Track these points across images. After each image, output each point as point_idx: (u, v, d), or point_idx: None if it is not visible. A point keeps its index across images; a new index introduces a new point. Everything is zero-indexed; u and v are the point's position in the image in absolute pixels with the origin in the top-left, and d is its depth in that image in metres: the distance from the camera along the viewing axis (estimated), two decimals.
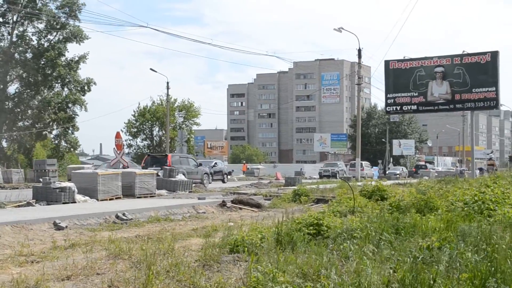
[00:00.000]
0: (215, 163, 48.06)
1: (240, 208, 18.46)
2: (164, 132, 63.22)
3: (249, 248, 8.11)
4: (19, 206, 18.28)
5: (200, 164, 37.97)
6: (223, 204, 18.83)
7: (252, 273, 6.39)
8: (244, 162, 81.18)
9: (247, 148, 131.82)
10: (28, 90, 60.18)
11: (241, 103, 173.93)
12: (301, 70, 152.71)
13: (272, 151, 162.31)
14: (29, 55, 59.89)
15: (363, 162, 62.73)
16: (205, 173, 37.31)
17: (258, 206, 18.97)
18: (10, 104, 60.15)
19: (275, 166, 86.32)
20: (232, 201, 19.39)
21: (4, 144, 61.65)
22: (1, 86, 59.58)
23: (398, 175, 67.03)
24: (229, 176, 50.61)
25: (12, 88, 60.72)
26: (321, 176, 59.45)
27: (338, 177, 52.54)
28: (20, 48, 59.69)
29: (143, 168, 35.33)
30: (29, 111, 61.07)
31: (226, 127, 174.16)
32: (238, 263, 7.54)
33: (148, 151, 65.51)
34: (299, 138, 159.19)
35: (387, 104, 40.38)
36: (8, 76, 60.01)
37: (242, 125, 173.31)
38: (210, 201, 19.77)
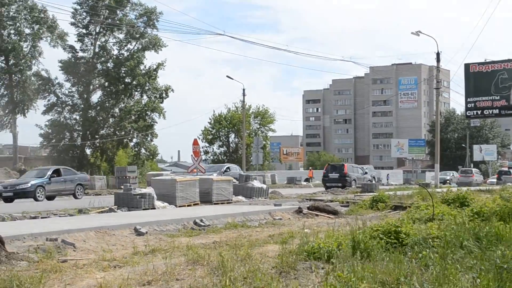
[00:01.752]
0: (227, 167, 45.58)
1: (317, 215, 18.37)
2: (240, 139, 63.76)
3: (325, 256, 8.06)
4: (102, 212, 18.89)
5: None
6: (299, 211, 18.80)
7: (329, 280, 6.35)
8: (311, 168, 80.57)
9: (323, 154, 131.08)
10: (110, 99, 62.18)
11: (317, 109, 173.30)
12: (377, 75, 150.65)
13: (348, 157, 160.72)
14: (110, 65, 61.89)
15: (473, 169, 58.75)
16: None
17: (334, 212, 18.82)
18: (93, 112, 62.32)
19: None
20: (308, 208, 19.32)
21: (88, 151, 63.87)
22: (85, 96, 61.83)
23: (448, 181, 59.73)
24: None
25: (95, 97, 63.02)
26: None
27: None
28: (102, 58, 61.77)
29: (324, 175, 41.79)
30: (111, 119, 63.05)
31: (302, 133, 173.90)
32: (315, 271, 7.51)
33: (225, 157, 66.29)
34: (375, 144, 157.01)
35: (467, 109, 39.29)
36: (91, 86, 62.22)
37: (318, 131, 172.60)
38: (286, 208, 19.77)
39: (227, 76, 57.40)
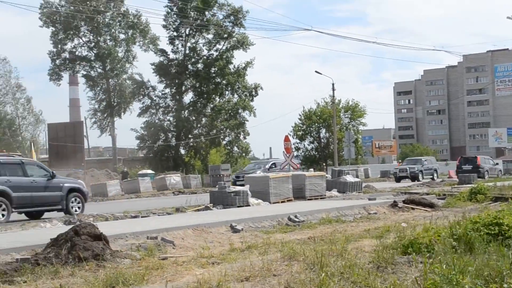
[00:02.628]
0: (273, 163, 42.95)
1: (413, 208, 18.00)
2: (331, 134, 63.35)
3: (423, 249, 7.90)
4: (198, 210, 19.32)
5: None
6: (394, 205, 18.48)
7: (428, 275, 6.22)
8: (400, 161, 78.57)
9: (417, 146, 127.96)
10: (201, 99, 63.42)
11: (409, 100, 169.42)
12: (471, 63, 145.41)
13: (443, 149, 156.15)
14: (200, 66, 63.13)
15: None
16: None
17: (431, 205, 18.38)
18: (185, 113, 63.77)
19: (447, 164, 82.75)
20: (404, 201, 18.97)
21: (182, 151, 65.43)
22: (177, 97, 63.39)
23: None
24: None
25: (187, 98, 64.53)
26: (397, 178, 44.76)
27: (420, 179, 42.47)
28: (192, 60, 63.10)
29: (457, 167, 43.85)
30: (203, 119, 64.30)
31: (394, 125, 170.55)
32: (412, 265, 7.37)
33: (316, 153, 66.01)
34: (472, 134, 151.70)
35: None
36: (183, 87, 63.71)
37: (411, 123, 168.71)
38: (380, 202, 19.49)
39: (316, 71, 56.92)
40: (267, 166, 41.80)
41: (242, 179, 30.48)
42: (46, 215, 19.42)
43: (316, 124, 67.53)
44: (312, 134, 68.49)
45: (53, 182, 18.73)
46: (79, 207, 19.59)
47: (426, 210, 17.60)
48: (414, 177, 43.03)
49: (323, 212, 16.50)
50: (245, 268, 7.75)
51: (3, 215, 16.99)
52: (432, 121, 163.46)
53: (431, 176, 44.88)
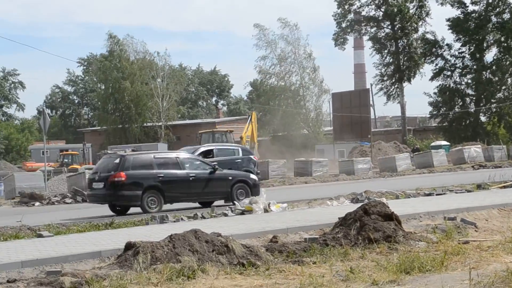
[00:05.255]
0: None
1: None
2: None
3: None
4: (504, 187, 18.52)
5: None
6: None
7: None
8: None
9: None
10: (507, 56, 60.32)
11: None
12: None
13: None
14: (506, 16, 60.02)
15: None
16: None
17: None
18: (487, 74, 61.27)
19: None
20: None
21: (483, 118, 63.14)
22: (477, 55, 61.13)
23: None
24: None
25: (489, 56, 61.84)
26: None
27: None
28: (497, 10, 60.24)
29: None
30: (509, 80, 61.21)
31: None
32: None
33: None
34: None
35: None
36: (484, 43, 61.19)
37: None
38: None
39: None
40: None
41: None
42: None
43: None
44: None
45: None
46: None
47: None
48: None
49: None
50: None
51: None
52: None
53: None
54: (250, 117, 43.59)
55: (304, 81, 69.04)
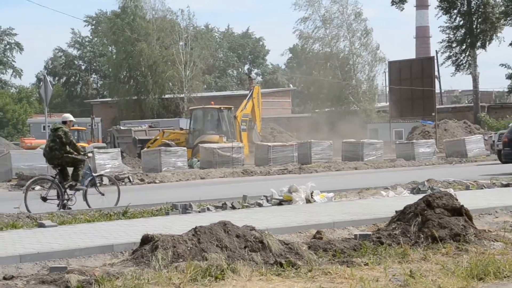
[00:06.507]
0: None
1: None
2: None
3: None
4: None
5: None
6: None
7: None
8: None
9: None
10: None
11: None
12: None
13: None
14: None
15: None
16: None
17: None
18: None
19: None
20: None
21: None
22: None
23: None
24: None
25: None
26: None
27: None
28: None
29: None
30: None
31: None
32: None
33: None
34: None
35: None
36: None
37: None
38: None
39: None
40: None
41: None
42: None
43: None
44: None
45: None
46: None
47: None
48: None
49: None
50: None
51: None
52: None
53: None
54: (251, 92, 42.58)
55: (354, 47, 68.56)
